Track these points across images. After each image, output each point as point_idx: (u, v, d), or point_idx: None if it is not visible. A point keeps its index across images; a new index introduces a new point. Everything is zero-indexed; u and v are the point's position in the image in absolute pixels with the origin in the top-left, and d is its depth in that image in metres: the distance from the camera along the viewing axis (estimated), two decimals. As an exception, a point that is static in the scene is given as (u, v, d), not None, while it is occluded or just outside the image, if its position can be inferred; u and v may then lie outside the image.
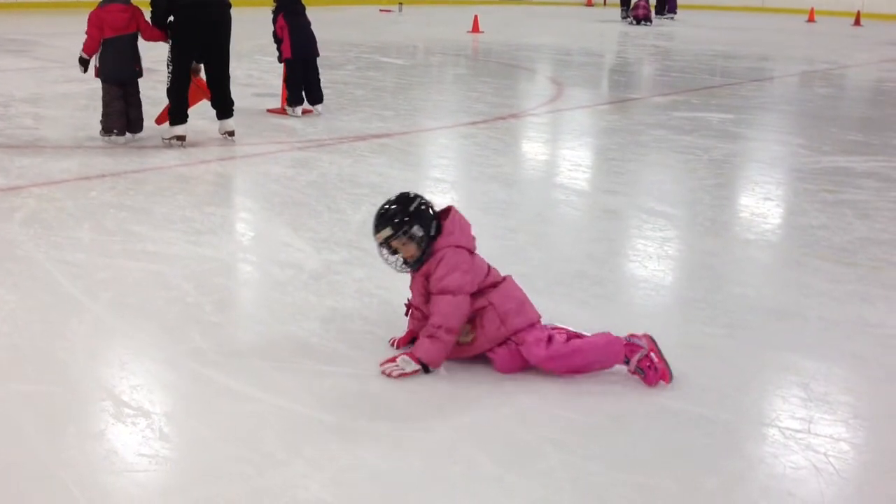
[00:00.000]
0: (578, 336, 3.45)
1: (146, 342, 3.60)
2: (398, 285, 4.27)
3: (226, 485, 2.66)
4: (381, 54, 14.53)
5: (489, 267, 3.53)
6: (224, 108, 7.14)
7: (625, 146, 7.73)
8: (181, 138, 6.96)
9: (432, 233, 3.38)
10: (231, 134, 7.19)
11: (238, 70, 11.29)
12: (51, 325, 3.65)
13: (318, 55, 8.54)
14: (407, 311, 3.62)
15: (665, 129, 8.43)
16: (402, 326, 3.67)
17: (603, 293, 4.31)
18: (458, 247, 3.36)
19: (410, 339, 3.54)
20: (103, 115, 6.93)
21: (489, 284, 3.45)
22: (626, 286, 4.45)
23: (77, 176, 5.94)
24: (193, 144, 7.07)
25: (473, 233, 3.53)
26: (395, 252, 3.42)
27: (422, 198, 3.46)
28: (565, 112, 9.67)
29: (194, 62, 6.93)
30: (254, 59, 12.85)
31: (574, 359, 3.34)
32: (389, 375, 3.29)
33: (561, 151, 7.80)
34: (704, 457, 2.91)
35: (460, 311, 3.32)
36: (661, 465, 2.85)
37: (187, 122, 6.99)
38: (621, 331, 3.90)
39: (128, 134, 7.00)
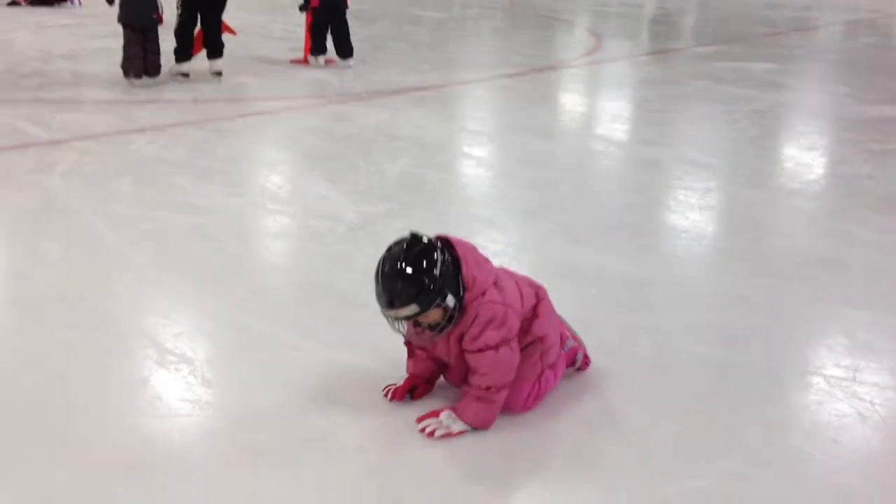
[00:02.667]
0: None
1: (188, 292, 3.63)
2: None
3: (269, 430, 2.68)
4: (418, 8, 14.38)
5: (517, 283, 2.82)
6: (214, 49, 7.62)
7: (665, 97, 7.61)
8: (185, 74, 7.52)
9: (461, 292, 2.61)
10: (219, 74, 7.63)
11: (273, 24, 11.26)
12: (94, 276, 3.69)
13: (346, 7, 8.44)
14: (410, 352, 2.88)
15: (707, 80, 8.28)
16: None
17: (644, 244, 4.26)
18: (489, 300, 2.63)
19: (410, 388, 2.82)
20: (122, 59, 7.20)
21: (530, 312, 2.80)
22: (667, 237, 4.39)
23: (117, 130, 5.97)
24: (205, 98, 7.07)
25: (483, 253, 2.80)
26: (417, 324, 2.68)
27: (437, 244, 2.63)
28: (604, 63, 9.52)
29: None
30: (288, 13, 12.78)
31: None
32: (431, 435, 2.63)
33: (600, 103, 7.69)
34: (747, 405, 2.88)
35: (509, 363, 2.66)
36: (703, 412, 2.83)
37: (191, 61, 7.54)
38: (662, 281, 3.87)
39: (144, 77, 7.22)
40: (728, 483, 2.49)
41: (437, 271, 2.55)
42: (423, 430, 2.66)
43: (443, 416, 2.68)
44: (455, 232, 4.43)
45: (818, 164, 5.73)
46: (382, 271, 2.58)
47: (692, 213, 4.65)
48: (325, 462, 2.55)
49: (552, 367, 2.84)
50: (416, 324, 2.66)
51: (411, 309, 2.54)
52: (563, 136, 6.56)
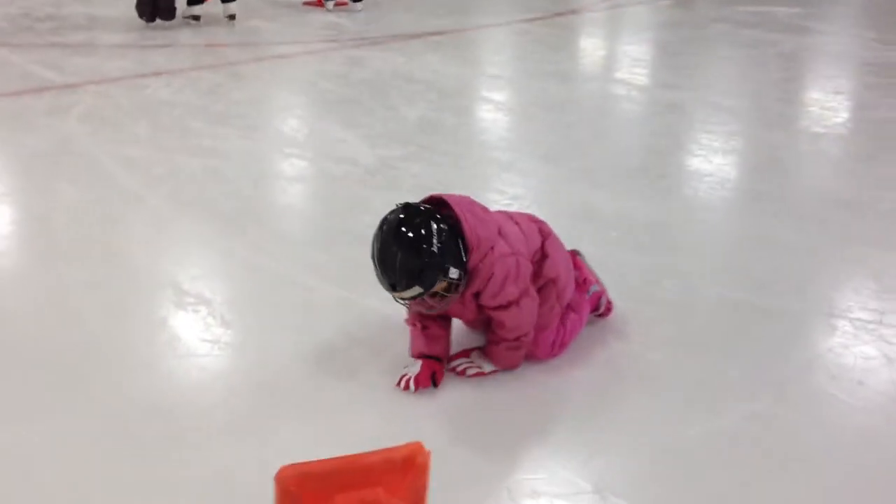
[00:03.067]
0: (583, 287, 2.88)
1: (204, 234, 3.60)
2: (457, 180, 4.21)
3: (287, 369, 2.66)
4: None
5: (518, 225, 2.68)
6: None
7: (688, 41, 7.45)
8: (196, 18, 7.42)
9: (464, 258, 2.47)
10: (232, 17, 7.53)
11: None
12: (110, 218, 3.66)
13: None
14: (419, 332, 2.65)
15: (730, 24, 8.09)
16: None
17: (666, 186, 4.19)
18: (499, 255, 2.51)
19: (431, 374, 2.59)
20: (136, 1, 7.12)
21: (538, 253, 2.67)
22: (690, 180, 4.31)
23: (132, 74, 5.91)
24: (219, 42, 6.99)
25: (480, 201, 2.66)
26: (423, 300, 2.50)
27: (431, 214, 2.46)
28: (625, 7, 9.33)
29: None
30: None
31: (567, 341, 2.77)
32: (463, 374, 2.62)
33: (621, 47, 7.55)
34: (772, 346, 2.83)
35: (531, 310, 2.59)
36: (726, 355, 2.78)
37: (203, 4, 7.42)
38: (684, 224, 3.82)
39: (157, 20, 7.15)
40: (752, 424, 2.46)
41: (434, 247, 2.39)
42: (453, 369, 2.63)
43: (473, 355, 2.67)
44: (473, 176, 4.43)
45: (844, 107, 5.61)
46: (378, 254, 2.43)
47: (716, 156, 4.57)
48: (344, 402, 2.53)
49: (576, 310, 2.78)
50: (420, 299, 2.50)
51: (414, 290, 2.41)
52: (584, 80, 6.45)
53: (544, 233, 2.75)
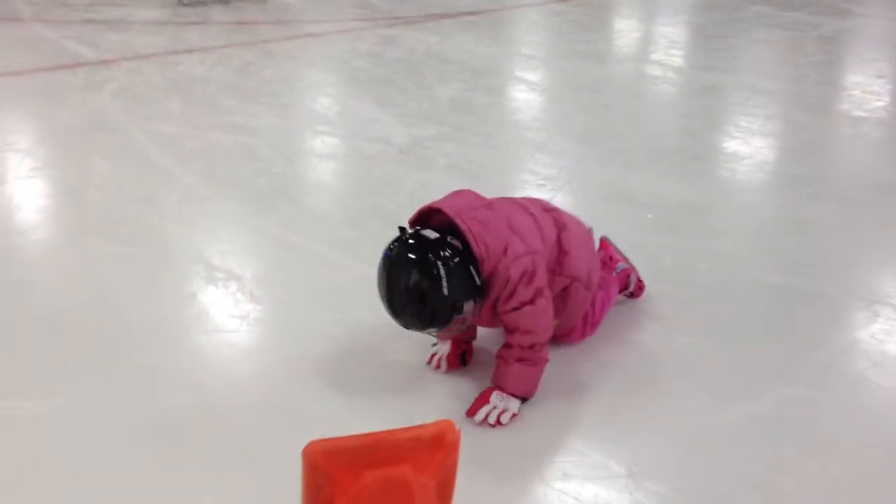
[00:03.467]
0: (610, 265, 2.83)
1: (235, 210, 3.58)
2: (489, 161, 4.17)
3: (316, 346, 2.64)
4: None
5: (532, 216, 2.48)
6: None
7: (725, 23, 7.32)
8: None
9: (479, 281, 2.29)
10: None
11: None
12: (142, 193, 3.66)
13: None
14: None
15: (769, 6, 7.94)
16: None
17: (703, 169, 4.12)
18: (513, 256, 2.32)
19: (460, 353, 2.56)
20: None
21: (555, 249, 2.48)
22: (727, 162, 4.23)
23: (165, 50, 5.91)
24: (252, 20, 6.97)
25: (481, 192, 2.50)
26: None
27: (436, 245, 2.26)
28: (662, -11, 9.20)
29: None
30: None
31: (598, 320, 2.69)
32: (498, 424, 2.32)
33: (657, 28, 7.44)
34: (811, 331, 2.77)
35: (546, 313, 2.39)
36: (764, 338, 2.73)
37: None
38: (721, 206, 3.76)
39: None
40: (789, 408, 2.40)
41: (443, 289, 2.22)
42: (483, 421, 2.32)
43: (493, 398, 2.36)
44: (506, 156, 4.39)
45: (885, 91, 5.47)
46: (386, 298, 2.31)
47: (753, 138, 4.48)
48: (372, 380, 2.50)
49: (604, 288, 2.70)
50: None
51: (430, 331, 2.33)
52: (618, 61, 6.36)
53: (559, 224, 2.52)
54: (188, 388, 2.46)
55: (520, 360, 2.37)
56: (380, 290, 2.32)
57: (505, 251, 2.31)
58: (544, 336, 2.40)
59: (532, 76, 5.82)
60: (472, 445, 2.20)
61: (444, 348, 2.55)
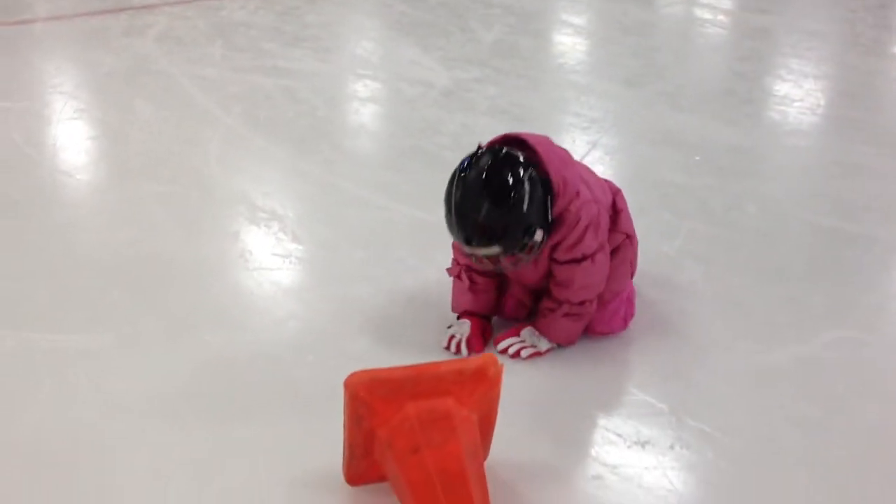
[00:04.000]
0: None
1: (277, 152, 3.57)
2: (533, 103, 4.11)
3: (357, 285, 2.64)
4: None
5: (593, 174, 2.38)
6: None
7: (778, -35, 7.11)
8: None
9: (550, 215, 2.17)
10: None
11: None
12: (185, 134, 3.67)
13: None
14: (463, 286, 2.40)
15: (824, -52, 7.70)
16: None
17: (753, 111, 4.02)
18: (584, 200, 2.21)
19: (482, 332, 2.38)
20: None
21: (611, 207, 2.36)
22: (778, 105, 4.12)
23: (207, -4, 5.88)
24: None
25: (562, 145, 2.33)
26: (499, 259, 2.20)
27: (523, 162, 2.12)
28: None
29: None
30: None
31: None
32: (517, 356, 2.30)
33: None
34: (861, 274, 2.71)
35: (604, 271, 2.30)
36: (813, 280, 2.67)
37: None
38: (771, 149, 3.67)
39: None
40: (837, 350, 2.35)
41: (524, 203, 2.07)
42: (505, 350, 2.31)
43: (524, 333, 2.34)
44: (550, 99, 4.32)
45: (945, 34, 5.30)
46: (457, 202, 2.09)
47: (806, 81, 4.36)
48: (415, 319, 2.49)
49: (631, 292, 2.46)
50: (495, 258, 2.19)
51: (492, 250, 2.11)
52: (667, 3, 6.19)
53: (613, 189, 2.42)
54: (231, 324, 2.47)
55: (567, 314, 2.29)
56: (449, 191, 2.11)
57: (577, 193, 2.19)
58: (596, 292, 2.30)
59: (578, 20, 5.70)
60: (515, 382, 2.19)
61: (463, 330, 2.36)
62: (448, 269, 2.43)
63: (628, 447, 2.03)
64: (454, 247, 2.36)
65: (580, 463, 2.01)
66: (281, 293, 2.63)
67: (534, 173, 2.11)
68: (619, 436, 2.06)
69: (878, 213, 3.06)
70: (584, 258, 2.23)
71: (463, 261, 2.35)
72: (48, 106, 3.97)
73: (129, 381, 2.23)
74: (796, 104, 4.06)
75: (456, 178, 2.11)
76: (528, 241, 2.12)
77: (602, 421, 2.11)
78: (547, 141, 2.25)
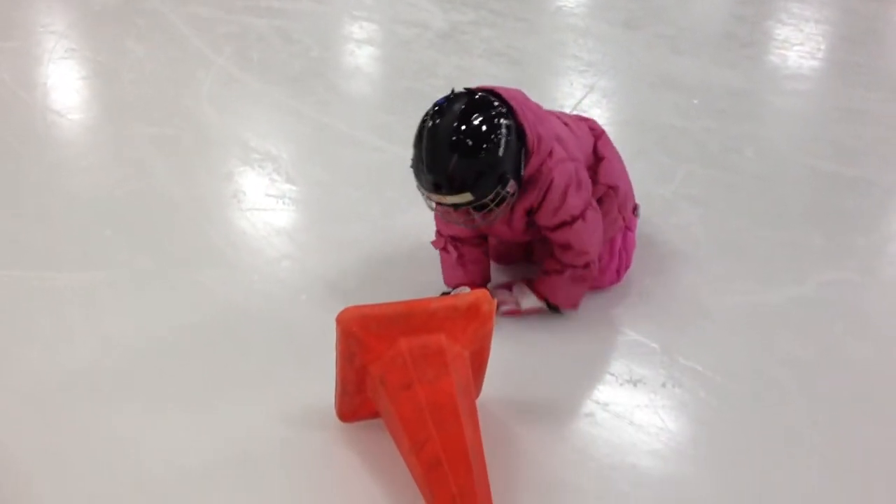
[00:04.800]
0: None
1: (271, 93, 3.52)
2: (530, 46, 4.05)
3: (351, 225, 2.63)
4: None
5: (567, 125, 2.22)
6: None
7: None
8: None
9: (522, 168, 2.03)
10: None
11: None
12: (177, 75, 3.62)
13: None
14: (451, 259, 2.27)
15: None
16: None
17: (752, 55, 3.97)
18: (558, 159, 2.07)
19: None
20: None
21: (591, 157, 2.25)
22: (778, 48, 4.07)
23: (200, -64, 5.77)
24: None
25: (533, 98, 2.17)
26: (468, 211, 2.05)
27: (500, 107, 1.99)
28: None
29: None
30: None
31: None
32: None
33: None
34: (860, 217, 2.70)
35: (598, 228, 2.18)
36: (811, 223, 2.66)
37: None
38: (770, 92, 3.63)
39: None
40: (834, 290, 2.36)
41: (500, 148, 1.94)
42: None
43: (515, 288, 2.25)
44: (548, 42, 4.26)
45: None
46: (429, 141, 1.94)
47: (807, 25, 4.29)
48: (408, 257, 2.48)
49: (630, 227, 2.37)
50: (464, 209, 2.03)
51: (464, 197, 1.95)
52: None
53: (596, 132, 2.30)
54: (224, 264, 2.46)
55: (573, 278, 2.18)
56: (422, 134, 1.96)
57: (550, 153, 2.06)
58: (596, 251, 2.19)
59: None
60: (508, 320, 2.19)
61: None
62: (433, 242, 2.31)
63: (620, 385, 2.04)
64: (437, 218, 2.22)
65: (572, 400, 2.01)
66: (274, 233, 2.61)
67: (510, 122, 1.99)
68: (612, 374, 2.06)
69: (877, 158, 3.04)
70: (574, 219, 2.10)
71: (446, 231, 2.23)
72: (39, 45, 3.91)
73: (123, 318, 2.23)
74: (796, 48, 4.01)
75: (427, 119, 1.97)
76: (501, 192, 1.97)
77: (594, 359, 2.11)
78: (521, 95, 2.12)
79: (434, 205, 2.03)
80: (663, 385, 2.03)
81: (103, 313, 2.25)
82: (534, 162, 2.03)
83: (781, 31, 4.28)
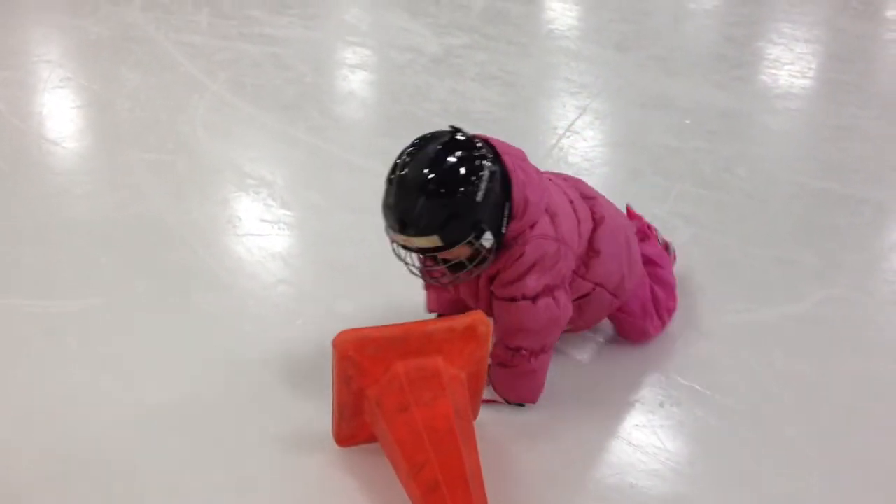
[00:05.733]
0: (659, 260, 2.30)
1: (265, 118, 3.54)
2: (523, 69, 4.08)
3: (347, 249, 2.64)
4: None
5: (571, 201, 2.02)
6: None
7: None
8: None
9: (504, 221, 1.85)
10: None
11: None
12: (172, 101, 3.63)
13: None
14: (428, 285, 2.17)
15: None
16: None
17: (743, 75, 4.00)
18: (539, 233, 1.88)
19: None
20: None
21: (586, 246, 2.02)
22: (768, 69, 4.10)
23: (194, -36, 5.82)
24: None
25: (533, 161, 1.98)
26: (432, 257, 1.88)
27: (484, 150, 1.83)
28: None
29: None
30: None
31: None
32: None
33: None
34: (850, 235, 2.72)
35: (549, 318, 1.92)
36: (803, 241, 2.67)
37: None
38: (761, 112, 3.66)
39: None
40: (828, 309, 2.37)
41: (479, 193, 1.75)
42: None
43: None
44: (540, 65, 4.29)
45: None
46: (400, 177, 1.78)
47: (797, 45, 4.33)
48: (404, 278, 2.46)
49: (662, 265, 2.25)
50: (431, 257, 1.87)
51: (431, 241, 1.78)
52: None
53: (597, 217, 2.05)
54: (221, 288, 2.46)
55: (501, 364, 1.97)
56: (395, 169, 1.81)
57: (534, 225, 1.87)
58: (537, 343, 1.94)
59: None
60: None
61: None
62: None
63: (618, 405, 2.04)
64: None
65: (570, 421, 2.01)
66: (270, 258, 2.62)
67: (496, 169, 1.81)
68: (609, 395, 2.06)
69: (868, 175, 3.06)
70: (523, 298, 1.89)
71: (418, 272, 1.98)
72: (33, 74, 3.93)
73: (120, 343, 2.23)
74: (787, 67, 4.04)
75: (404, 153, 1.83)
76: (475, 243, 1.79)
77: (591, 380, 2.11)
78: (521, 154, 1.94)
79: (402, 252, 1.86)
80: (661, 405, 2.04)
81: (100, 337, 2.25)
82: (513, 227, 1.85)
83: (772, 51, 4.32)
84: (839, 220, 2.78)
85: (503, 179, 1.82)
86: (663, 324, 2.21)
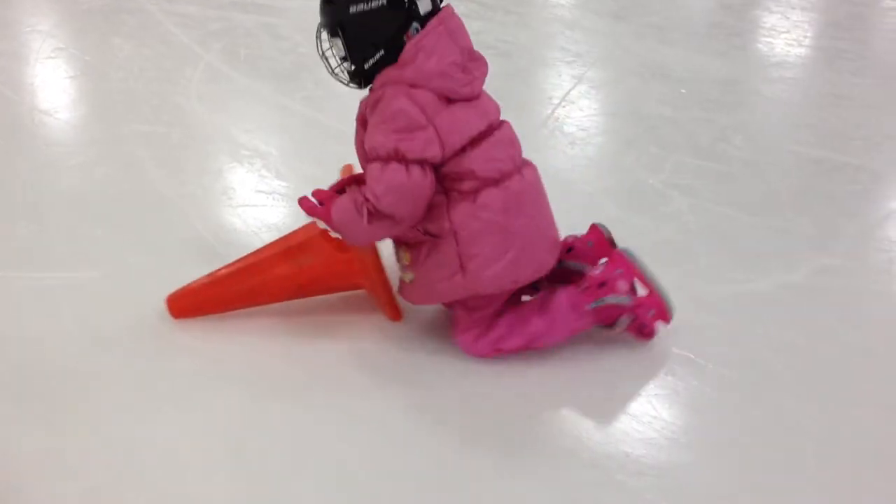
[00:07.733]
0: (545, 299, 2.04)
1: (260, 89, 3.52)
2: (519, 38, 4.06)
3: (343, 220, 2.62)
4: None
5: (490, 128, 1.96)
6: None
7: None
8: None
9: (372, 58, 1.92)
10: None
11: None
12: (165, 72, 3.61)
13: None
14: None
15: None
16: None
17: (740, 44, 3.98)
18: (406, 85, 1.86)
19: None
20: None
21: (464, 173, 1.90)
22: (765, 36, 4.09)
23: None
24: None
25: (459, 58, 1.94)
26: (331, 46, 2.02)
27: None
28: None
29: None
30: None
31: (517, 342, 2.02)
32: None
33: None
34: (848, 203, 2.72)
35: (399, 187, 1.85)
36: (799, 210, 2.67)
37: None
38: (758, 80, 3.63)
39: None
40: (823, 277, 2.37)
41: (359, 6, 1.87)
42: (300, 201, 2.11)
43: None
44: (536, 34, 4.26)
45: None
46: None
47: (793, 12, 4.31)
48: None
49: (547, 312, 1.99)
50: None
51: (322, 18, 2.00)
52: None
53: (509, 169, 1.95)
54: (215, 260, 2.43)
55: (352, 198, 1.93)
56: None
57: (413, 86, 1.84)
58: (385, 206, 1.86)
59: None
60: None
61: None
62: None
63: (612, 374, 2.04)
64: None
65: (565, 390, 2.02)
66: (265, 229, 2.61)
67: (399, 14, 1.87)
68: (603, 364, 2.07)
69: (864, 143, 3.06)
70: (376, 158, 1.87)
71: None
72: (26, 45, 3.90)
73: (115, 315, 2.21)
74: (783, 35, 4.03)
75: None
76: (329, 41, 1.96)
77: (586, 349, 2.11)
78: (461, 29, 2.00)
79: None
80: (656, 374, 2.04)
81: (94, 310, 2.24)
82: (389, 73, 1.87)
83: (768, 20, 4.30)
84: (835, 189, 2.78)
85: (403, 28, 1.86)
86: (477, 352, 2.00)
